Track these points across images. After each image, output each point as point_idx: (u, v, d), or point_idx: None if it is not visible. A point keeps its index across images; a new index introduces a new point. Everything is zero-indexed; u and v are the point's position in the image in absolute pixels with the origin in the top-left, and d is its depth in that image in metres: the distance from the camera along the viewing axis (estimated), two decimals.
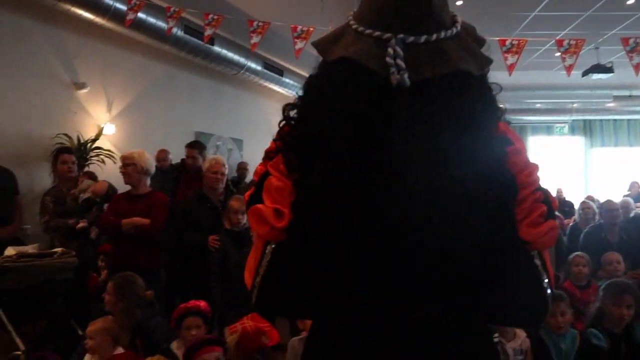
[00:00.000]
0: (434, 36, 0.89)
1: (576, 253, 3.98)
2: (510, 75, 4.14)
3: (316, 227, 0.89)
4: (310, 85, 0.98)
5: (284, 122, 0.99)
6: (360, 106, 0.87)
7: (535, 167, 0.93)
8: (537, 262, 0.91)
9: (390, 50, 0.87)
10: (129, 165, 3.69)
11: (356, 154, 0.86)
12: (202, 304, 2.89)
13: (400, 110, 0.85)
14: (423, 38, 0.89)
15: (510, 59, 4.10)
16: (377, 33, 0.90)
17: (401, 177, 0.84)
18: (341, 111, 0.88)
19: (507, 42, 4.13)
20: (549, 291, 0.92)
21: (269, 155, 0.97)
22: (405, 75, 0.85)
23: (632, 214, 5.31)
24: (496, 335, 2.44)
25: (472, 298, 0.93)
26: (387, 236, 0.86)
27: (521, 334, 2.61)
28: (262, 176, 0.95)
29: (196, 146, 4.82)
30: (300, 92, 0.99)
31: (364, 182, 0.86)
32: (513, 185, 0.89)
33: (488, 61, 0.95)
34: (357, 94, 0.88)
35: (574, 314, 3.27)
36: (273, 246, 0.91)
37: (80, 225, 3.88)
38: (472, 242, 0.86)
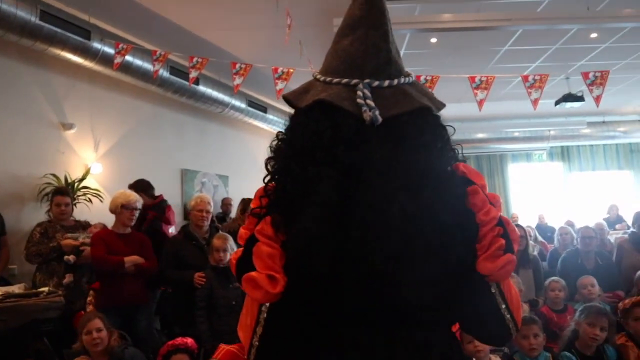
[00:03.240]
0: (396, 81, 1.02)
1: (552, 278, 4.10)
2: (480, 110, 4.34)
3: (312, 280, 0.94)
4: (286, 136, 1.04)
5: (268, 177, 1.04)
6: (340, 148, 0.94)
7: (496, 202, 1.02)
8: (494, 290, 1.00)
9: (359, 92, 0.98)
10: (138, 210, 3.88)
11: (341, 196, 0.92)
12: (189, 340, 2.96)
13: (376, 151, 0.94)
14: (386, 82, 1.01)
15: (480, 95, 4.30)
16: (345, 80, 1.01)
17: (383, 213, 0.91)
18: (322, 156, 0.95)
19: (477, 79, 4.35)
20: (508, 316, 1.01)
21: (253, 212, 1.02)
22: (377, 113, 0.95)
23: (608, 239, 5.48)
24: None
25: (443, 318, 1.03)
26: (379, 270, 0.93)
27: (496, 359, 2.70)
28: (249, 241, 1.00)
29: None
30: (274, 145, 1.06)
31: (352, 221, 0.92)
32: (473, 223, 0.98)
33: (442, 105, 1.06)
34: (335, 136, 0.96)
35: (551, 337, 3.39)
36: (267, 306, 0.97)
37: (67, 280, 3.92)
38: (444, 270, 0.95)
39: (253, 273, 0.94)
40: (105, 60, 5.34)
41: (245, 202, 5.59)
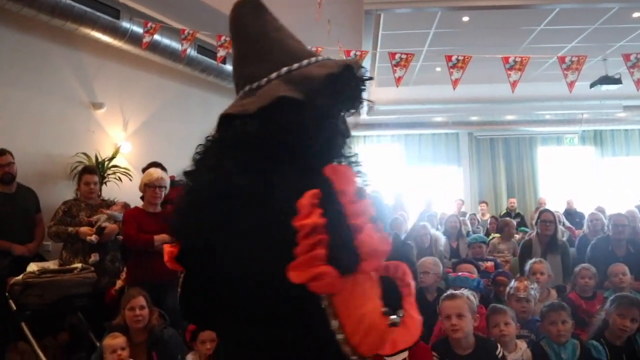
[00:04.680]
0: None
1: (582, 265, 4.01)
2: (513, 91, 4.22)
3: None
4: None
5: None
6: None
7: (314, 214, 0.89)
8: (324, 304, 0.90)
9: None
10: (163, 188, 3.88)
11: None
12: None
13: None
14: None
15: (514, 76, 4.18)
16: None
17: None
18: None
19: (510, 60, 4.22)
20: (340, 336, 0.89)
21: None
22: None
23: None
24: (499, 349, 2.54)
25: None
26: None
27: (522, 345, 2.68)
28: None
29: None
30: None
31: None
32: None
33: None
34: None
35: (579, 324, 3.33)
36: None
37: (92, 259, 3.97)
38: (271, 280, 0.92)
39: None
40: (134, 39, 5.37)
41: None
